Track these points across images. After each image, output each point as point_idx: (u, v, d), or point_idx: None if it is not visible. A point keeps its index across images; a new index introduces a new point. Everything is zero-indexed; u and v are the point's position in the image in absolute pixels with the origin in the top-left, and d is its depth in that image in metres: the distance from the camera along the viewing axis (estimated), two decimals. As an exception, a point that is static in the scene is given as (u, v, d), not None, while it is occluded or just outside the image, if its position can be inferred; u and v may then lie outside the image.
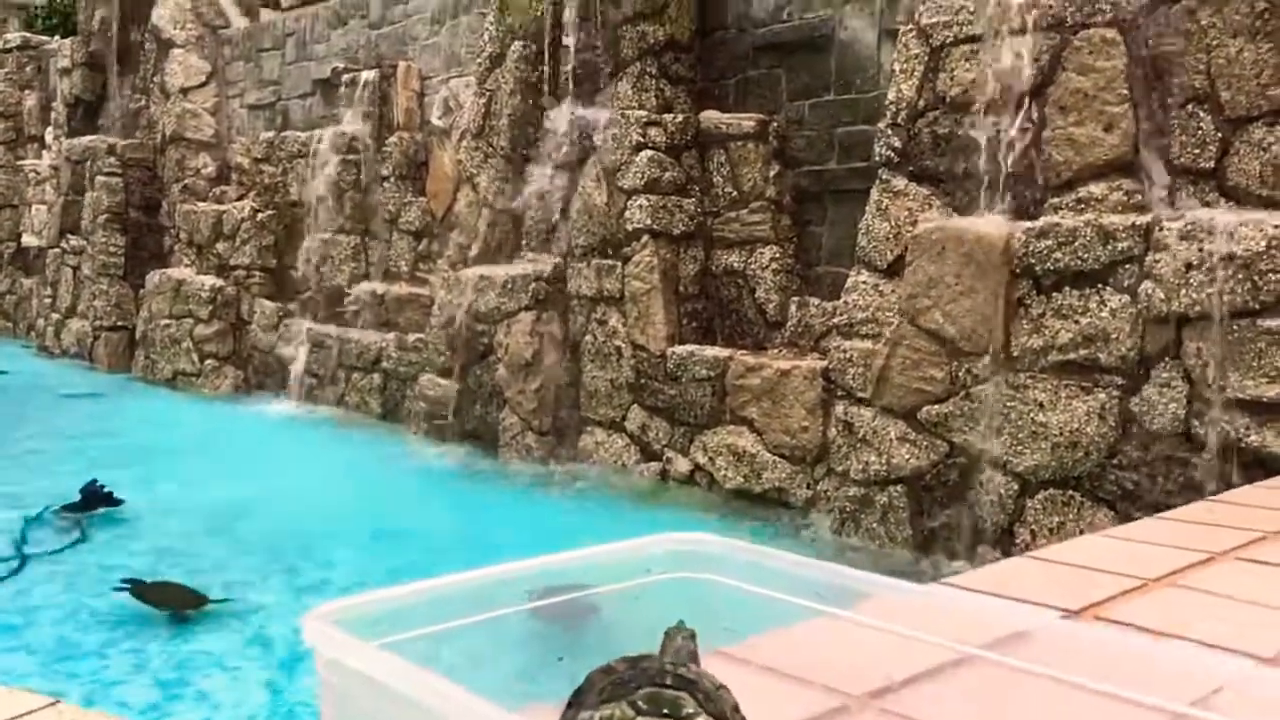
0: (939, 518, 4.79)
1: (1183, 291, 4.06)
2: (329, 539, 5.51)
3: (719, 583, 1.23)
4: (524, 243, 7.34)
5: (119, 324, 11.53)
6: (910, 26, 5.16)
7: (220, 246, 10.48)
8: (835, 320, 5.41)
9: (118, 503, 5.75)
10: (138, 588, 4.32)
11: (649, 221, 6.48)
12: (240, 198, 10.70)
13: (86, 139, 12.39)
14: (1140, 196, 4.41)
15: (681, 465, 6.21)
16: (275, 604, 4.47)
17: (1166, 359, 4.12)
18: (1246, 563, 2.28)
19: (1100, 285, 4.29)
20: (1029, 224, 4.54)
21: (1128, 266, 4.23)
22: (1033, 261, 4.46)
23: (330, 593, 4.62)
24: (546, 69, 7.32)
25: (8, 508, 5.86)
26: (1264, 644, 1.74)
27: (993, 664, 1.12)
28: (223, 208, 10.68)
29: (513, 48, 7.46)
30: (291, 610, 4.35)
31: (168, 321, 10.48)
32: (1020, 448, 4.47)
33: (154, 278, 10.85)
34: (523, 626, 1.19)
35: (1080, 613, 1.87)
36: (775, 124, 6.60)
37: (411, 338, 8.18)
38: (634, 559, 1.26)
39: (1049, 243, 4.42)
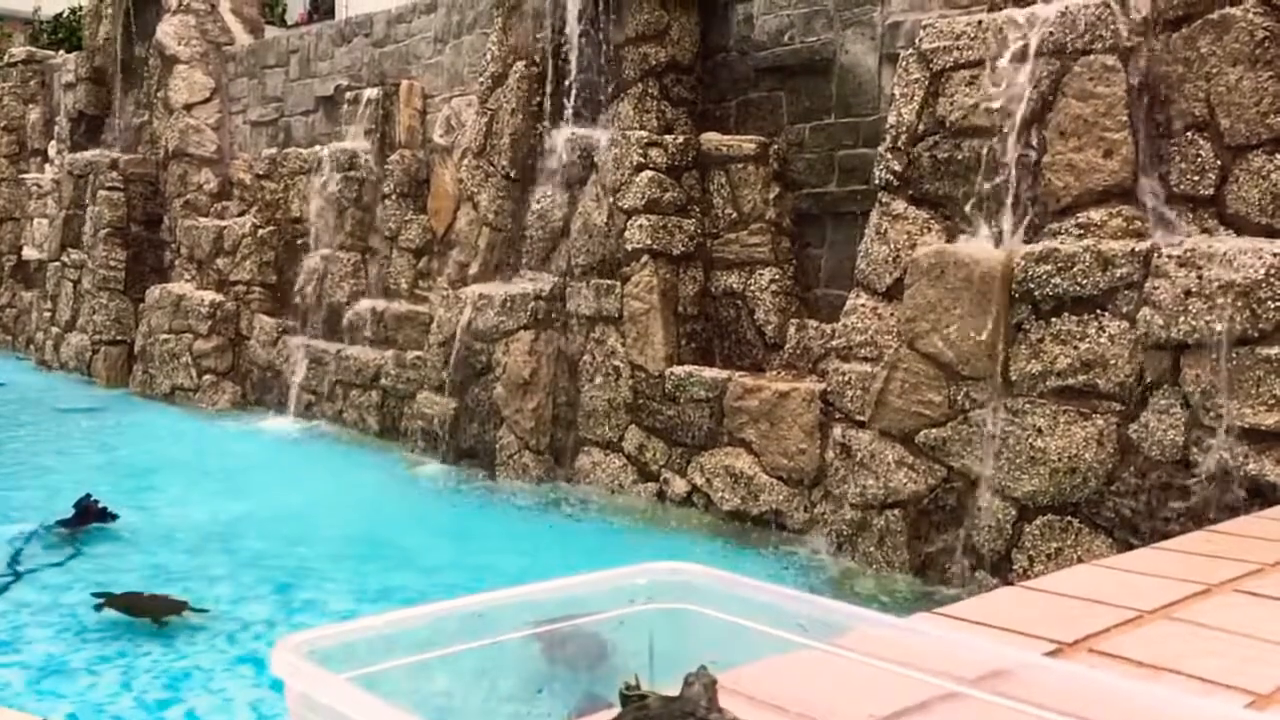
0: (936, 542, 4.77)
1: (1182, 318, 4.04)
2: (323, 556, 5.49)
3: (702, 613, 1.22)
4: (523, 261, 7.34)
5: (118, 338, 11.52)
6: (911, 51, 5.17)
7: (220, 262, 10.48)
8: (834, 343, 5.40)
9: (113, 518, 5.73)
10: (108, 601, 4.31)
11: (649, 242, 6.48)
12: (241, 213, 10.71)
13: (89, 153, 12.42)
14: (1140, 223, 4.40)
15: (679, 486, 6.19)
16: (267, 621, 4.45)
17: (1165, 386, 4.10)
18: (1244, 595, 2.26)
19: (1099, 311, 4.28)
20: (1028, 249, 4.53)
21: (1127, 292, 4.22)
22: (1032, 286, 4.45)
23: (323, 611, 4.60)
24: (549, 89, 7.34)
25: (1, 522, 5.84)
26: (1260, 680, 1.72)
27: (980, 700, 1.10)
28: (224, 223, 10.69)
29: (515, 68, 7.48)
30: (283, 628, 4.33)
31: (167, 336, 10.47)
32: (1018, 473, 4.45)
33: (154, 292, 10.85)
34: (503, 658, 1.17)
35: (1073, 645, 1.85)
36: (776, 146, 6.61)
37: (410, 355, 8.17)
38: (618, 588, 1.24)
39: (1048, 268, 4.41)
